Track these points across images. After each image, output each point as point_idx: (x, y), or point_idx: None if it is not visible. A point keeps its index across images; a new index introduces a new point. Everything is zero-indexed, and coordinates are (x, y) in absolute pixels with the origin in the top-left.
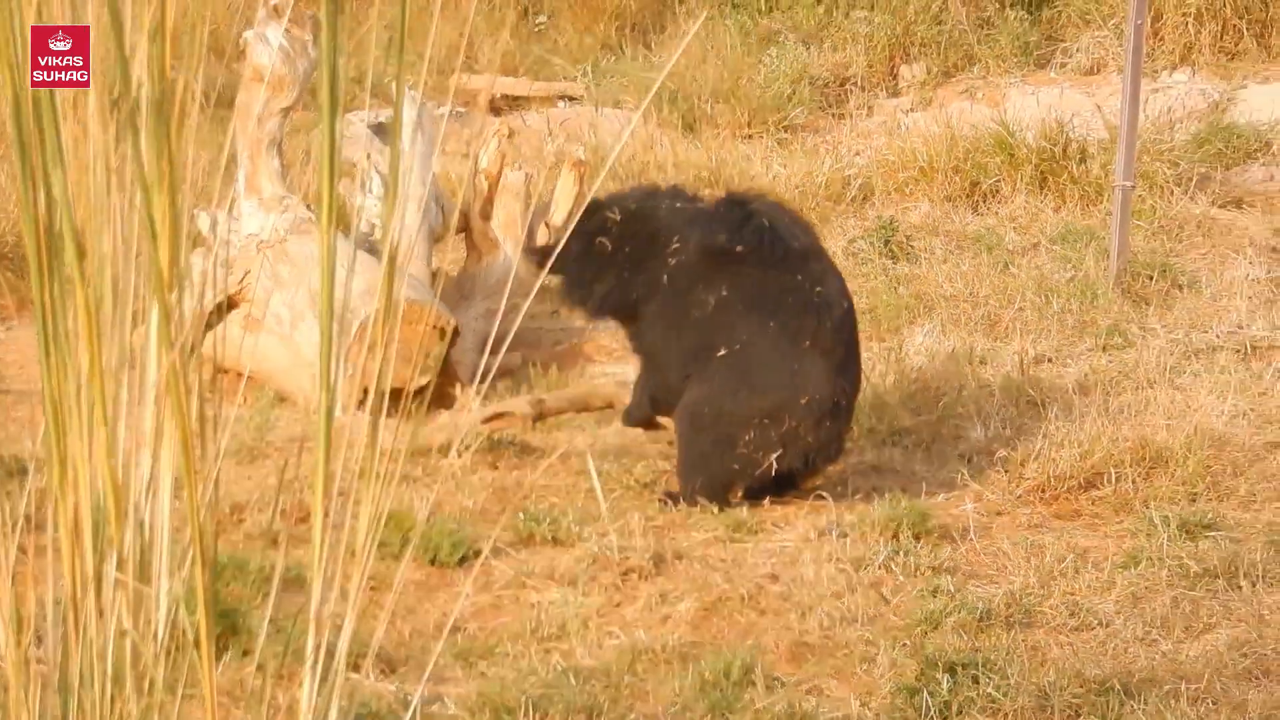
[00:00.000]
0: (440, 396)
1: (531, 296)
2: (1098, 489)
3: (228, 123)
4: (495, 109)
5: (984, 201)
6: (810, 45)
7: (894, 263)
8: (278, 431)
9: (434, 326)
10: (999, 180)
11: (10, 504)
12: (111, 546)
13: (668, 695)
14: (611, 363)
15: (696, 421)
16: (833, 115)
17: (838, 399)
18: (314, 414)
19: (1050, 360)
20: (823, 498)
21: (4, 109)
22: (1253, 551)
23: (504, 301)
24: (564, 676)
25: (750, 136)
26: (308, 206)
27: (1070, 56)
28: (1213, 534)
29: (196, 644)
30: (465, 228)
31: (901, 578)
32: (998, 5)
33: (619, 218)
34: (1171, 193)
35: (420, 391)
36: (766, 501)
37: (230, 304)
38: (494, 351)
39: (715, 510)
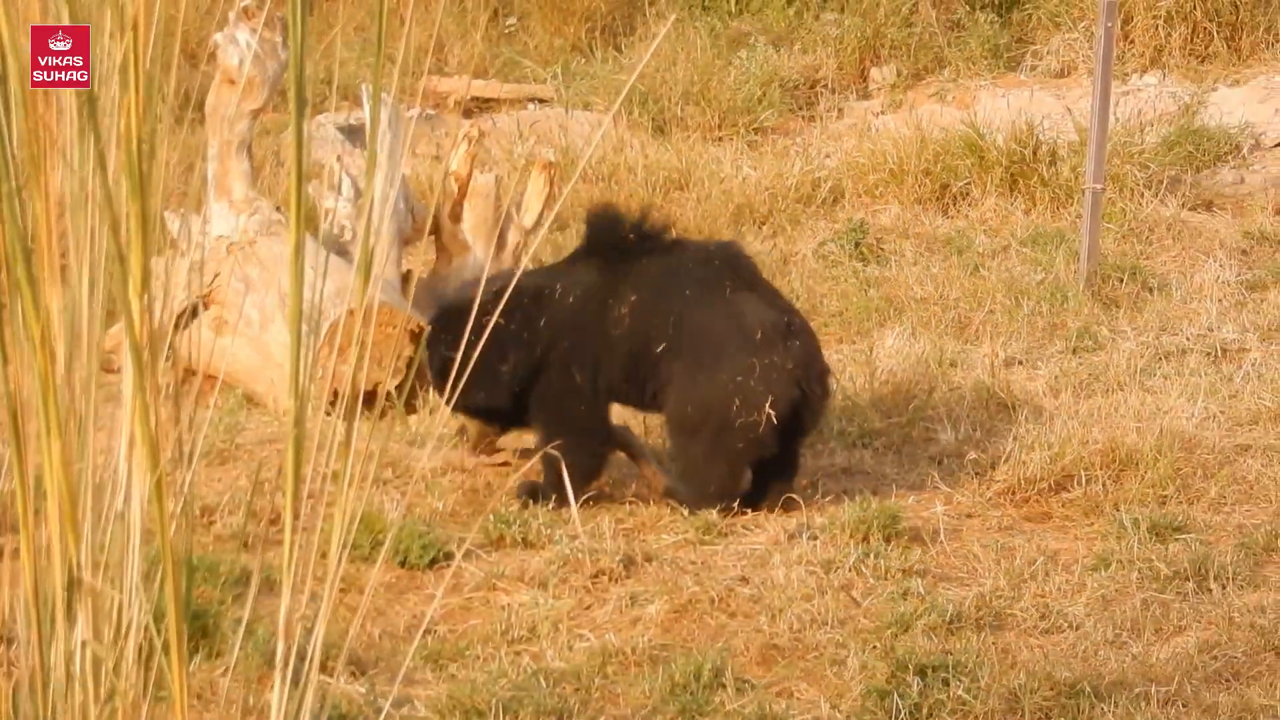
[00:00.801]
0: (409, 400)
1: (504, 300)
2: (1068, 491)
3: (197, 125)
4: (466, 111)
5: (954, 204)
6: (780, 47)
7: (864, 265)
8: (248, 434)
9: (405, 329)
10: (969, 183)
11: None
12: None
13: (638, 697)
14: None
15: (686, 425)
16: (803, 118)
17: (786, 319)
18: (284, 416)
19: (1020, 363)
20: (793, 500)
21: None
22: (1223, 554)
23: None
24: (534, 679)
25: (721, 139)
26: (278, 209)
27: (1040, 59)
28: (1183, 536)
29: (165, 650)
30: (435, 230)
31: (872, 580)
32: (968, 8)
33: (498, 299)
34: (1142, 195)
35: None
36: (737, 504)
37: (200, 306)
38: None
39: (686, 514)
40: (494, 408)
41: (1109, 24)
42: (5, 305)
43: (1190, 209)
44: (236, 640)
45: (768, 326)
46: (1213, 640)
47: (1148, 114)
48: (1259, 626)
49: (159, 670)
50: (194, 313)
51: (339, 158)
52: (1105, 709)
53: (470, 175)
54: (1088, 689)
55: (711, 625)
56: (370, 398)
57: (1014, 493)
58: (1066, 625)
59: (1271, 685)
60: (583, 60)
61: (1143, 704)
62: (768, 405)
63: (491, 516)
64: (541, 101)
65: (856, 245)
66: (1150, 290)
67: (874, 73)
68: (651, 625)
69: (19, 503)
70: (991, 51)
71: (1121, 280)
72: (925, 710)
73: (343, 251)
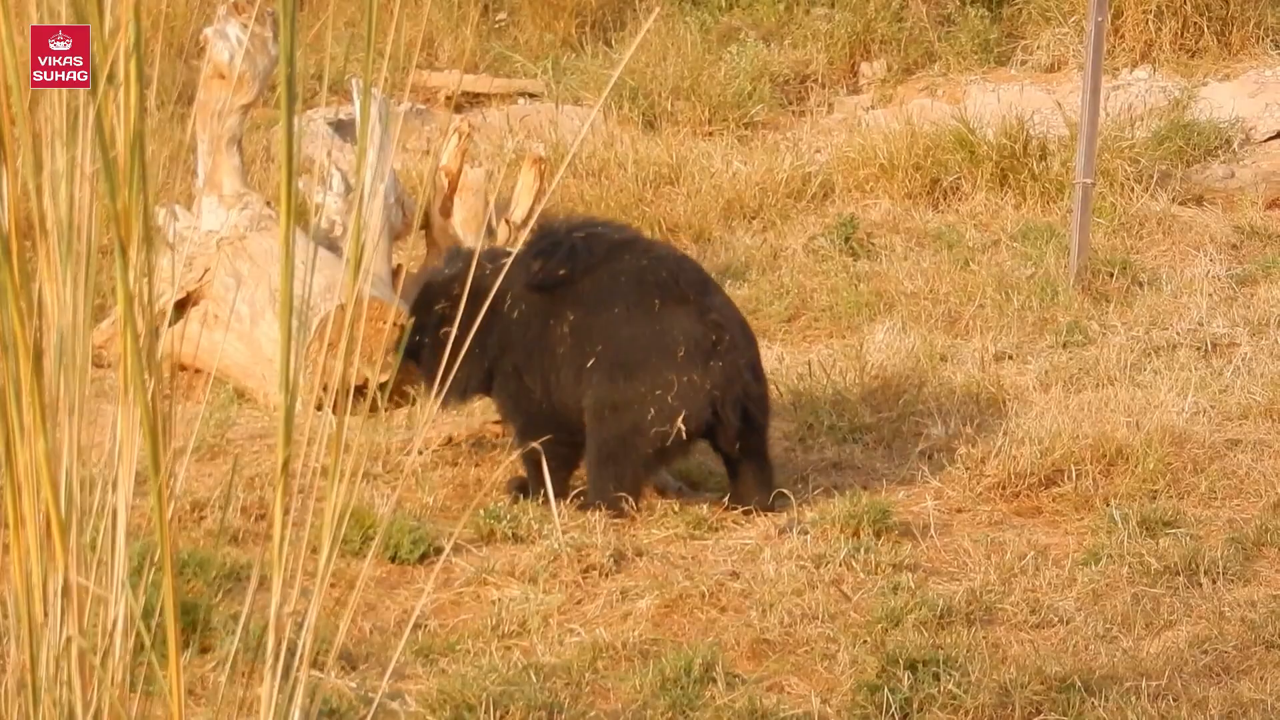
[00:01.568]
0: (399, 394)
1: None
2: (1058, 486)
3: (187, 119)
4: (456, 106)
5: (944, 199)
6: (771, 42)
7: (854, 260)
8: (238, 429)
9: (395, 324)
10: (959, 178)
11: None
12: (58, 552)
13: (628, 692)
14: None
15: (596, 419)
16: (793, 112)
17: (712, 336)
18: (274, 411)
19: (1011, 357)
20: (784, 495)
21: None
22: (1213, 549)
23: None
24: (525, 673)
25: (711, 134)
26: (268, 204)
27: (1031, 54)
28: (1173, 531)
29: (157, 645)
30: (425, 225)
31: (862, 575)
32: (958, 2)
33: (451, 302)
34: (1132, 190)
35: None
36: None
37: (190, 300)
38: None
39: (676, 509)
40: (473, 382)
41: (1099, 18)
42: None
43: (1181, 204)
44: (232, 636)
45: (692, 346)
46: (1203, 635)
47: (1138, 109)
48: (1249, 621)
49: (148, 666)
50: (181, 307)
51: (329, 153)
52: (1096, 703)
53: (460, 170)
54: (1078, 683)
55: (702, 620)
56: (360, 392)
57: (1004, 487)
58: (1057, 620)
59: (1262, 679)
60: (573, 55)
61: (1133, 698)
62: (679, 420)
63: (482, 511)
64: (532, 96)
65: (846, 240)
66: (1140, 285)
67: (864, 67)
68: (642, 620)
69: (7, 499)
70: (982, 46)
71: (1112, 275)
72: (916, 704)
73: (333, 246)
